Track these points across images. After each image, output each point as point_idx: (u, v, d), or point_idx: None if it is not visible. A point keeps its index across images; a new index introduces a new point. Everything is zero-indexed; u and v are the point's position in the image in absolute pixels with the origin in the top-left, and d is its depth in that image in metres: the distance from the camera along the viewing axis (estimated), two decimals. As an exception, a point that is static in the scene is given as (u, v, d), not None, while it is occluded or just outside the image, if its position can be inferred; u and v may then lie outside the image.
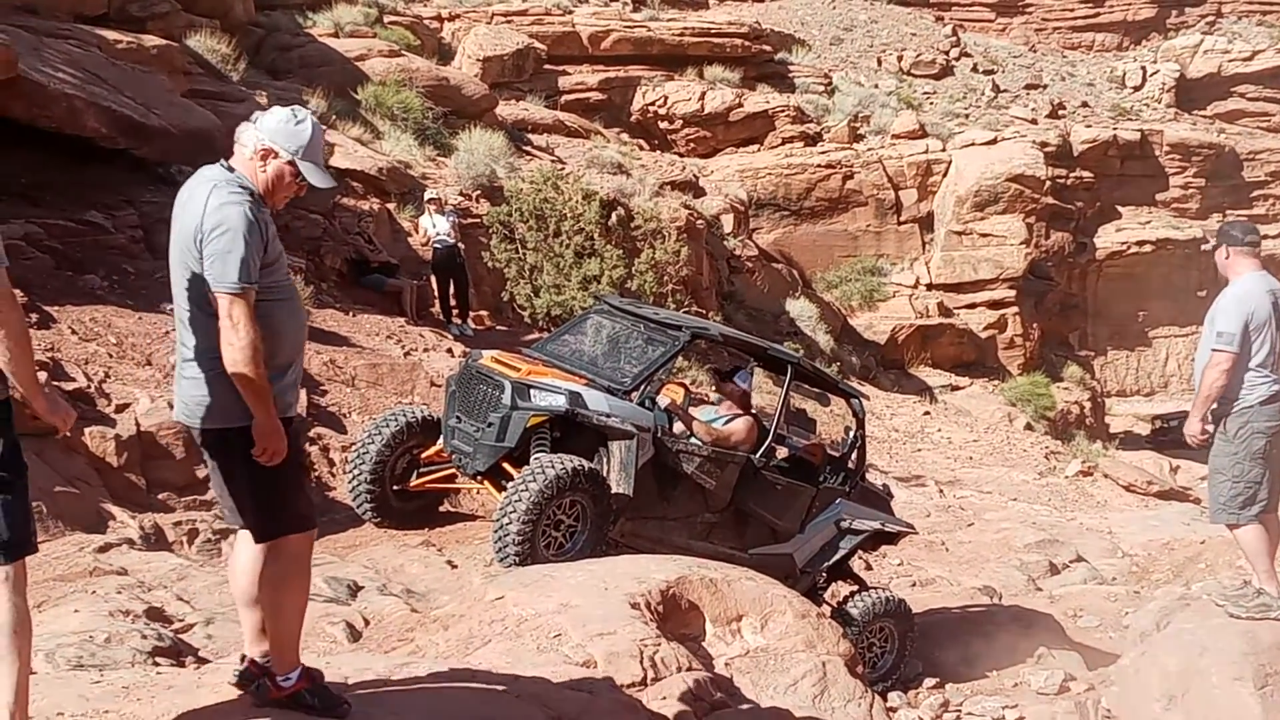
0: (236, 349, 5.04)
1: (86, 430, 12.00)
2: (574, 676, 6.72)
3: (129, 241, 17.11)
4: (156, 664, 7.49)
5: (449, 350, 19.19)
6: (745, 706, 7.46)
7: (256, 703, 5.23)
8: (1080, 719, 8.97)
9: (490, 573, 10.42)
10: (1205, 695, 7.91)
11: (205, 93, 22.26)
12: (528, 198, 25.41)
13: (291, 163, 5.32)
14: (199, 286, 5.10)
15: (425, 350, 18.71)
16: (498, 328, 23.80)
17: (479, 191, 27.05)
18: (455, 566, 11.55)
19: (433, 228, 21.94)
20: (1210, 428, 8.45)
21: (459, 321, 22.11)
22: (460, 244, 22.19)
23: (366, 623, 9.24)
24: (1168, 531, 22.17)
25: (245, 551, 5.45)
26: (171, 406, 12.13)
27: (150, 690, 5.63)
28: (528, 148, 32.16)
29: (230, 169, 5.26)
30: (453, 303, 22.29)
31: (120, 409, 12.55)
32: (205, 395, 5.17)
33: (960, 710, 12.26)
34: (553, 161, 30.85)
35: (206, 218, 5.08)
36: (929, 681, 13.02)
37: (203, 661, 7.82)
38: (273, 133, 5.28)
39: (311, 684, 5.25)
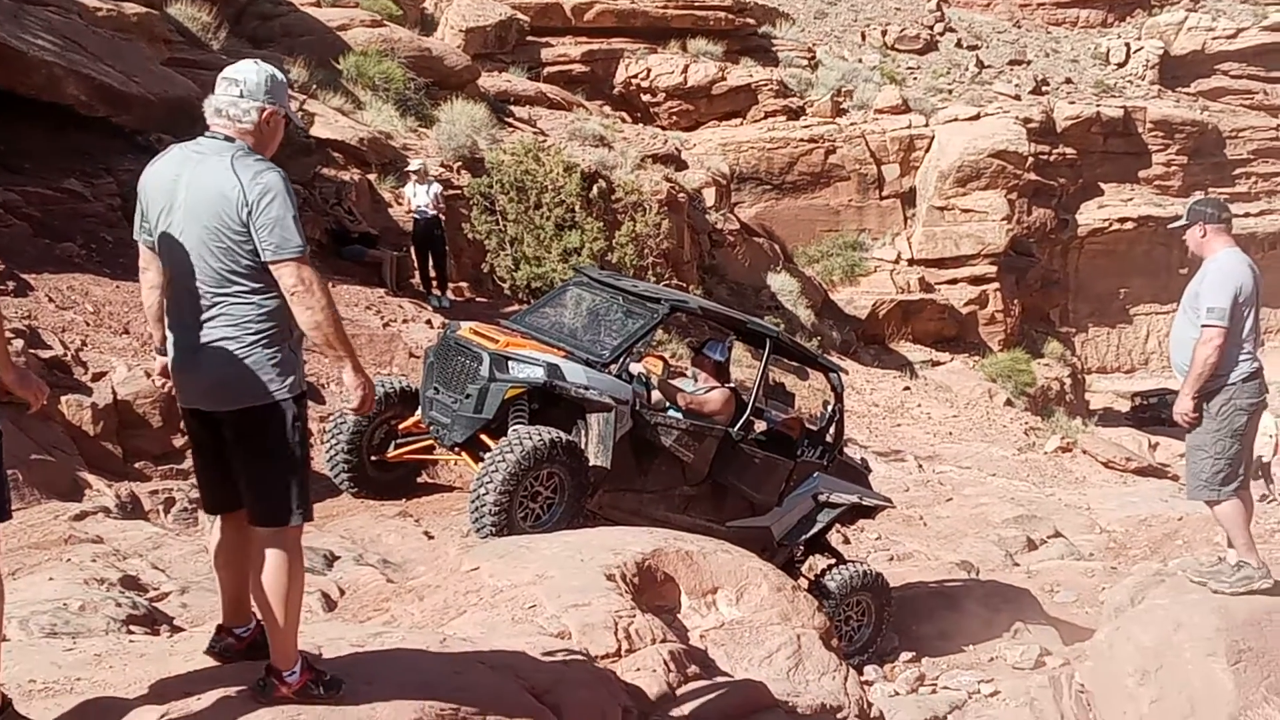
0: (318, 310, 5.02)
1: (63, 398, 11.96)
2: (549, 647, 6.71)
3: (107, 210, 17.02)
4: (131, 632, 7.46)
5: (428, 322, 19.16)
6: (720, 678, 7.47)
7: (248, 689, 5.19)
8: (1054, 694, 8.98)
9: (466, 543, 10.41)
10: (1179, 671, 7.93)
11: (186, 61, 22.12)
12: (509, 169, 25.35)
13: (284, 115, 5.31)
14: (230, 261, 5.02)
15: (404, 321, 18.68)
16: (477, 299, 23.75)
17: (460, 163, 26.96)
18: (432, 537, 11.54)
19: (414, 198, 21.89)
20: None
21: (438, 293, 22.07)
22: (442, 216, 22.12)
23: (342, 592, 9.22)
24: (1146, 508, 22.26)
25: (241, 532, 5.38)
26: (148, 376, 12.26)
27: (123, 658, 5.60)
28: (509, 119, 32.09)
29: (230, 139, 5.19)
30: (432, 274, 22.25)
31: (97, 377, 12.51)
32: (235, 374, 5.06)
33: (936, 684, 12.29)
34: (534, 133, 30.78)
35: (248, 189, 4.98)
36: (905, 655, 13.06)
37: (177, 630, 7.80)
38: (269, 93, 5.23)
39: (314, 674, 5.21)
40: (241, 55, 25.41)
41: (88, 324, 13.85)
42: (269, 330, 5.08)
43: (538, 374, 11.07)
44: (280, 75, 5.31)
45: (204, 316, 5.08)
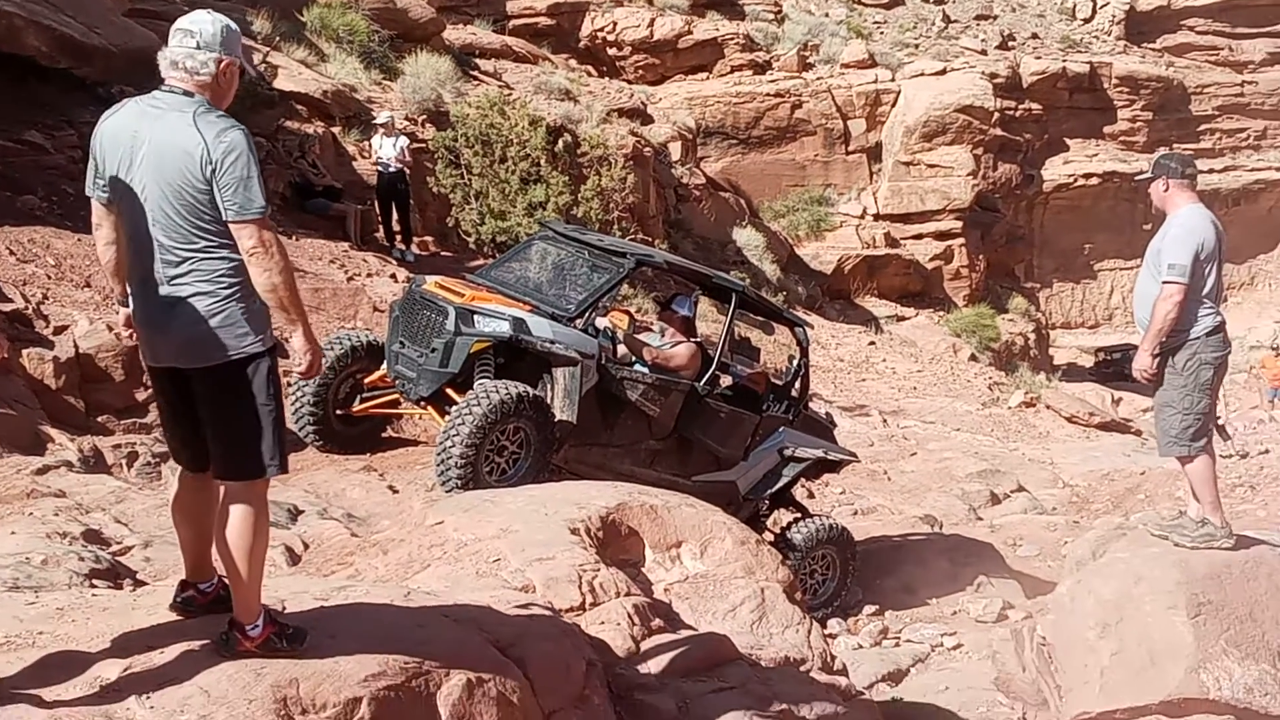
0: (276, 273, 4.98)
1: (24, 352, 11.88)
2: (513, 601, 6.72)
3: (69, 162, 16.89)
4: (93, 586, 7.44)
5: (392, 275, 19.09)
6: (684, 632, 7.49)
7: (211, 643, 5.17)
8: (1016, 646, 9.04)
9: (431, 498, 10.41)
10: (1139, 623, 7.98)
11: (147, 12, 21.90)
12: (474, 123, 25.23)
13: (240, 66, 5.25)
14: (195, 218, 4.96)
15: (369, 275, 18.60)
16: (442, 253, 23.69)
17: (425, 116, 26.84)
18: (396, 491, 11.54)
19: (379, 150, 21.77)
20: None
21: (402, 247, 22.00)
22: (407, 169, 22.01)
23: (306, 547, 9.20)
24: (1108, 462, 22.42)
25: (202, 490, 5.36)
26: (110, 329, 12.19)
27: (85, 612, 5.58)
28: (475, 73, 31.93)
29: (188, 94, 5.12)
30: (396, 228, 22.16)
31: (59, 331, 12.43)
32: (210, 330, 5.03)
33: (899, 637, 12.37)
34: (500, 87, 30.64)
35: (212, 147, 4.92)
36: (869, 609, 13.15)
37: (140, 584, 7.78)
38: (224, 43, 5.16)
39: (278, 627, 5.20)
40: (203, 6, 25.22)
41: (49, 277, 13.76)
42: (241, 283, 5.04)
43: (503, 328, 11.06)
44: (234, 25, 5.25)
45: (174, 274, 5.02)
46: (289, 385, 11.74)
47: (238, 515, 5.12)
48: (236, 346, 5.07)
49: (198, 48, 5.09)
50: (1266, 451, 21.38)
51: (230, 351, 5.06)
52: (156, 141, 4.97)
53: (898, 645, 12.16)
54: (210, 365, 5.07)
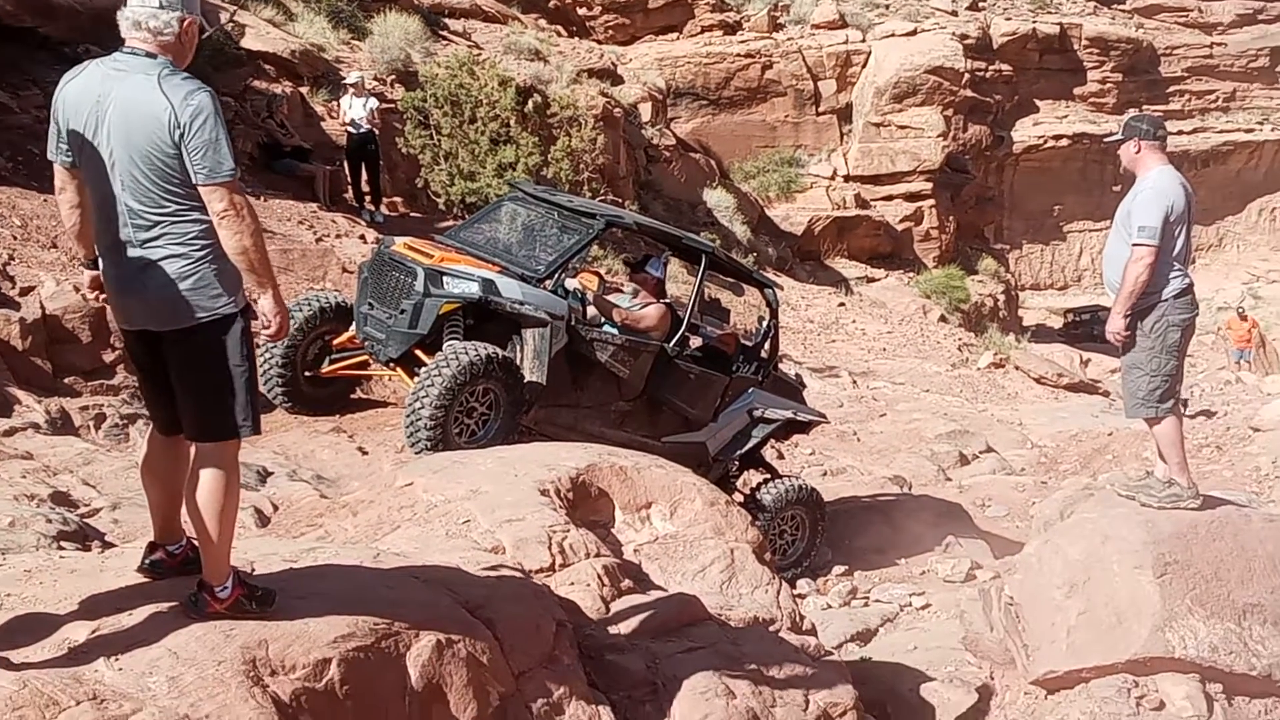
0: (246, 236, 4.97)
1: (-10, 313, 11.83)
2: (482, 562, 6.73)
3: (34, 122, 16.75)
4: (61, 548, 7.43)
5: (361, 236, 19.02)
6: (654, 592, 7.51)
7: (179, 605, 5.16)
8: (984, 606, 9.08)
9: (400, 459, 10.42)
10: (1106, 583, 8.02)
11: (113, -30, 21.72)
12: (443, 83, 25.09)
13: (200, 24, 5.21)
14: (165, 182, 4.93)
15: (338, 236, 18.52)
16: (412, 214, 23.59)
17: (393, 76, 26.69)
18: (366, 453, 11.55)
19: (349, 111, 21.65)
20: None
21: (371, 208, 21.90)
22: (376, 130, 21.90)
23: (275, 508, 9.21)
24: (1076, 423, 22.51)
25: (172, 451, 5.35)
26: (77, 290, 12.12)
27: (54, 574, 5.57)
28: (444, 33, 31.69)
29: (151, 55, 5.08)
30: (365, 189, 22.07)
31: (25, 292, 12.36)
32: (180, 293, 5.00)
33: (868, 597, 12.44)
34: (469, 47, 30.44)
35: (180, 111, 4.88)
36: (838, 569, 13.21)
37: (108, 546, 7.77)
38: (185, 2, 5.12)
39: (247, 589, 5.20)
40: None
41: (15, 238, 13.67)
42: (212, 245, 5.02)
43: (473, 289, 11.04)
44: None
45: (145, 237, 5.00)
46: (257, 347, 11.70)
47: (209, 477, 5.12)
48: (209, 308, 5.06)
49: (160, 7, 5.04)
50: (1225, 414, 21.53)
51: (203, 313, 5.05)
52: (122, 106, 4.94)
53: (866, 605, 12.22)
54: (183, 327, 5.06)
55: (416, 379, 10.69)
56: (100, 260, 5.17)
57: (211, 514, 5.07)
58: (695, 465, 11.58)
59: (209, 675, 4.71)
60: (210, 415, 5.14)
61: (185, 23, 5.08)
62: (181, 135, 4.89)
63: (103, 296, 5.31)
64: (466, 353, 10.52)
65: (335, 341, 12.03)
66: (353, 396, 12.77)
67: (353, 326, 11.78)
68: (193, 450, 5.20)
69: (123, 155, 4.94)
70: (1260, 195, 54.95)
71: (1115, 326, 8.38)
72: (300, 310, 11.66)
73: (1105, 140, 8.71)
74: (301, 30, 26.37)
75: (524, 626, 6.06)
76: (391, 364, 11.43)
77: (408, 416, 10.52)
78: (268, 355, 11.62)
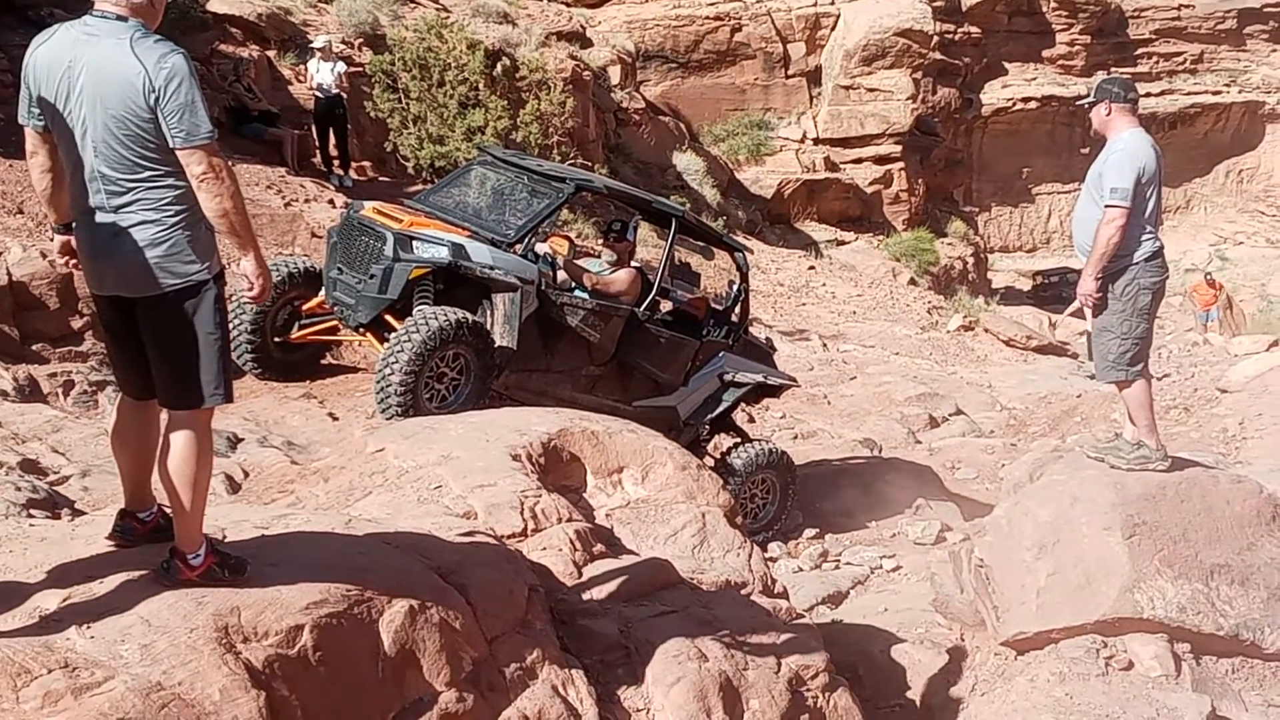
0: (226, 198, 4.95)
1: (-44, 280, 11.76)
2: (454, 528, 6.73)
3: (-1, 87, 16.68)
4: (31, 516, 7.41)
5: (330, 201, 18.95)
6: (626, 556, 7.53)
7: (151, 572, 5.14)
8: (954, 568, 9.12)
9: (371, 425, 10.41)
10: (1075, 544, 8.06)
11: (77, -68, 21.57)
12: (411, 46, 24.99)
13: None
14: (139, 148, 4.90)
15: (306, 201, 18.46)
16: (380, 179, 23.53)
17: (361, 40, 26.59)
18: (336, 419, 11.53)
19: (316, 75, 21.55)
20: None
21: (340, 172, 21.84)
22: (344, 94, 21.82)
23: (246, 475, 9.20)
24: (1045, 385, 22.60)
25: (142, 418, 5.34)
26: (44, 257, 12.05)
27: (23, 542, 5.55)
28: (411, -5, 31.59)
29: (122, 18, 5.02)
30: (334, 153, 21.99)
31: (-9, 258, 12.30)
32: (156, 258, 4.98)
33: (839, 560, 12.50)
34: (437, 10, 30.28)
35: (154, 74, 4.85)
36: (809, 532, 13.26)
37: (78, 514, 7.74)
38: None
39: (219, 557, 5.19)
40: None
41: (-20, 204, 13.59)
42: (186, 211, 5.00)
43: (442, 254, 11.02)
44: None
45: (118, 203, 4.97)
46: (232, 310, 11.67)
47: (181, 444, 5.10)
48: (183, 274, 5.03)
49: None
50: (1192, 376, 21.64)
51: (176, 280, 5.03)
52: (94, 71, 4.89)
53: (837, 568, 12.29)
54: (156, 294, 5.03)
55: (386, 344, 10.68)
56: (75, 225, 5.14)
57: (184, 482, 5.06)
58: (666, 430, 11.58)
59: (181, 643, 4.70)
60: (182, 382, 5.11)
61: None
62: (157, 99, 4.85)
63: (73, 262, 5.28)
64: (436, 318, 10.51)
65: (305, 307, 11.99)
66: (323, 362, 12.73)
67: (322, 292, 11.74)
68: (164, 417, 5.18)
69: (95, 121, 4.90)
70: (1227, 157, 55.08)
71: (1087, 289, 8.39)
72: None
73: (1079, 102, 8.71)
74: (268, -7, 26.22)
75: (496, 591, 6.07)
76: (361, 329, 11.41)
77: (378, 382, 10.50)
78: (237, 321, 11.58)
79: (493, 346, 10.96)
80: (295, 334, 12.08)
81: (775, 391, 14.10)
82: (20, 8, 18.34)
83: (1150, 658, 7.72)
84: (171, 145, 4.90)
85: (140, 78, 4.84)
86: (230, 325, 11.29)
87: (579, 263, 12.56)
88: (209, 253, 5.10)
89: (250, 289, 5.26)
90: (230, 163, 5.09)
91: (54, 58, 4.96)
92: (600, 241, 14.29)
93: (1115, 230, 8.16)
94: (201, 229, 5.03)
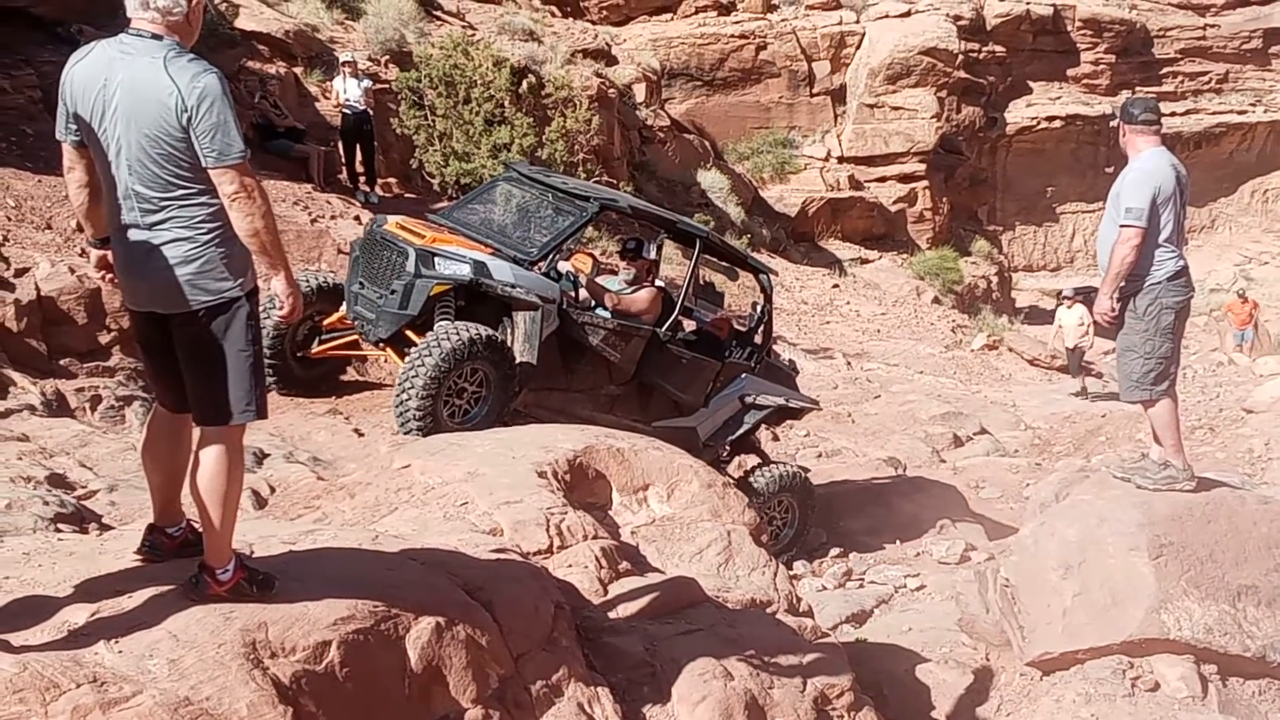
0: (258, 217, 4.97)
1: (-15, 295, 11.82)
2: (481, 544, 6.74)
3: (28, 102, 16.75)
4: (59, 530, 7.43)
5: (356, 217, 19.02)
6: (651, 574, 7.52)
7: (179, 587, 5.16)
8: (979, 588, 9.11)
9: (397, 441, 10.41)
10: (1101, 565, 8.05)
11: (105, -50, 21.66)
12: (437, 64, 25.06)
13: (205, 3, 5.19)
14: (174, 166, 4.92)
15: (332, 217, 18.53)
16: (406, 195, 23.58)
17: (388, 57, 26.64)
18: (362, 434, 11.55)
19: (343, 92, 21.62)
20: (1118, 305, 8.46)
21: (366, 188, 21.90)
22: (371, 110, 21.90)
23: (273, 490, 9.22)
24: (1070, 405, 22.55)
25: (173, 433, 5.35)
26: (73, 272, 12.11)
27: (52, 556, 5.57)
28: (437, 13, 31.59)
29: (157, 37, 5.05)
30: (360, 169, 22.06)
31: (20, 273, 12.35)
32: (190, 275, 5.00)
33: (863, 579, 12.46)
34: (463, 27, 30.38)
35: (187, 94, 4.86)
36: (833, 550, 13.24)
37: (106, 528, 7.77)
38: None
39: (247, 572, 5.20)
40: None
41: (9, 219, 13.65)
42: (219, 229, 5.02)
43: (464, 271, 11.03)
44: None
45: (152, 220, 4.99)
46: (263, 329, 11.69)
47: (212, 460, 5.12)
48: (215, 291, 5.05)
49: None
50: (1216, 396, 21.55)
51: (208, 297, 5.05)
52: (128, 90, 4.91)
53: (862, 587, 12.25)
54: (189, 310, 5.05)
55: (406, 360, 10.69)
56: (111, 241, 5.17)
57: (214, 497, 5.07)
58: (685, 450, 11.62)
59: (209, 658, 4.71)
60: (214, 399, 5.13)
61: (194, 3, 5.06)
62: (189, 119, 4.87)
63: (109, 276, 5.31)
64: (456, 333, 10.52)
65: (325, 322, 12.02)
66: (343, 377, 12.76)
67: (343, 307, 11.76)
68: (196, 433, 5.20)
69: (129, 140, 4.93)
70: (1253, 177, 54.81)
71: (1102, 307, 8.39)
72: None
73: (1111, 123, 8.71)
74: (295, 10, 26.32)
75: (522, 608, 6.07)
76: (381, 344, 11.43)
77: (397, 397, 10.52)
78: (257, 336, 11.58)
79: (513, 363, 10.97)
80: (316, 349, 12.11)
81: (796, 414, 14.10)
82: (49, 24, 18.43)
83: (1177, 679, 7.70)
84: (204, 164, 4.92)
85: (173, 97, 4.86)
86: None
87: (600, 281, 12.55)
88: (242, 270, 5.11)
89: (280, 308, 5.27)
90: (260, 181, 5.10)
91: (90, 75, 4.99)
92: (617, 259, 14.31)
93: (1130, 250, 8.16)
94: (235, 246, 5.05)
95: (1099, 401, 23.32)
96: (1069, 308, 26.04)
